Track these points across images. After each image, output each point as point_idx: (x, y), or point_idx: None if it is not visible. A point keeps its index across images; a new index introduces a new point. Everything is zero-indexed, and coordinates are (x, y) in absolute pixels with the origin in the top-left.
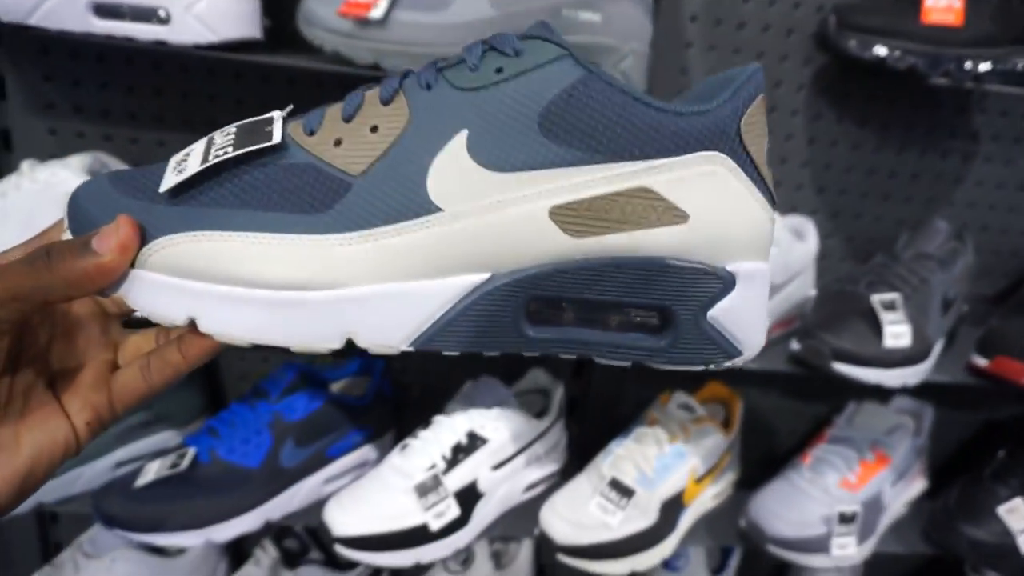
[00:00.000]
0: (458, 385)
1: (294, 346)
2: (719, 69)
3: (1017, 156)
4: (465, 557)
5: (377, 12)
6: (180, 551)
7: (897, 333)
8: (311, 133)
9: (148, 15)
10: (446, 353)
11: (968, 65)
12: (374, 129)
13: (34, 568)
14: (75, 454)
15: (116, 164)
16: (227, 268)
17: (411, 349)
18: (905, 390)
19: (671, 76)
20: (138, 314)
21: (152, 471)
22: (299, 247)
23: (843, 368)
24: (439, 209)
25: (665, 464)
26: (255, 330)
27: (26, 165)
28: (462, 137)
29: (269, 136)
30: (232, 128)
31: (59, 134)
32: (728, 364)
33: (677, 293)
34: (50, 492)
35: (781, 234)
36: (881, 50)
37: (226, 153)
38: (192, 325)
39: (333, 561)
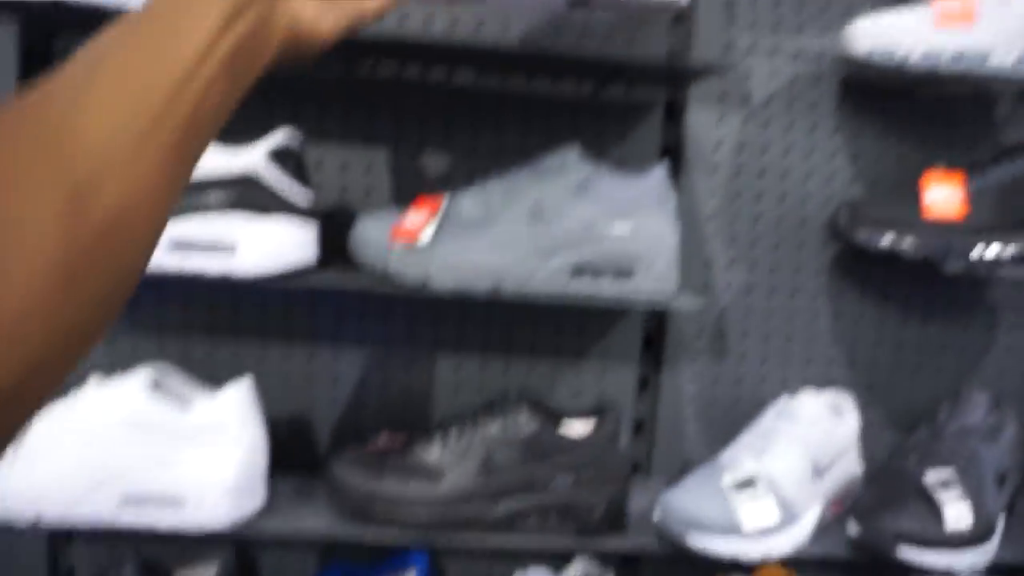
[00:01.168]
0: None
1: None
2: (740, 259)
3: None
4: None
5: (425, 239)
6: None
7: (958, 513)
8: None
9: (219, 248)
10: None
11: (975, 253)
12: None
13: None
14: None
15: (175, 374)
16: None
17: None
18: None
19: (697, 270)
20: None
21: None
22: None
23: (908, 553)
24: None
25: None
26: None
27: (93, 381)
28: None
29: None
30: None
31: (114, 345)
32: None
33: None
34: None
35: (820, 413)
36: (892, 241)
37: None
38: None
39: None
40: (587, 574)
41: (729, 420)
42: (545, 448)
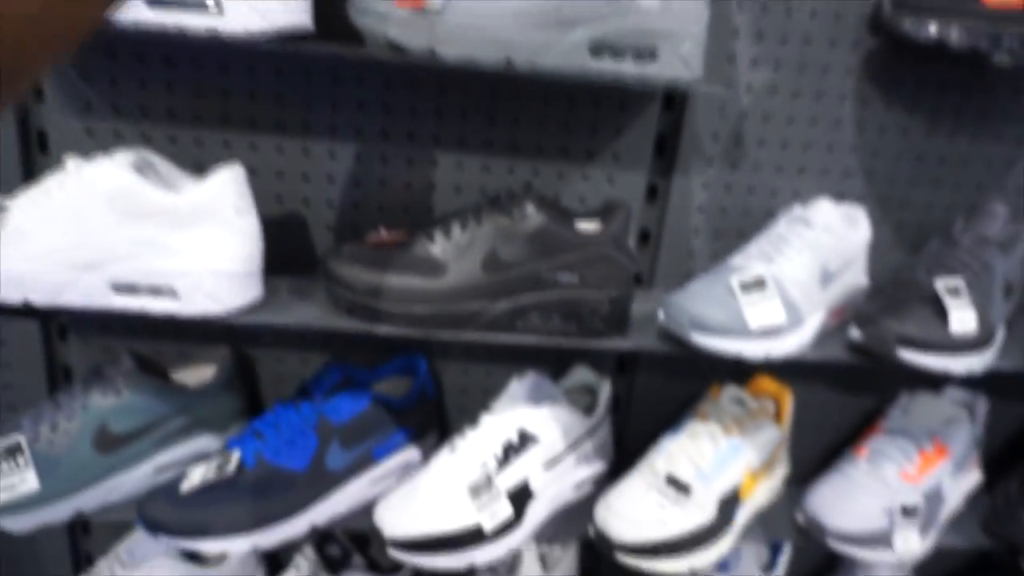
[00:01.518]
0: (498, 385)
1: None
2: (766, 57)
3: None
4: (512, 561)
5: (434, 3)
6: (218, 559)
7: (964, 319)
8: None
9: (200, 4)
10: None
11: None
12: None
13: None
14: None
15: (161, 161)
16: None
17: None
18: (969, 378)
19: (719, 64)
20: None
21: (197, 476)
22: None
23: (909, 355)
24: None
25: (721, 459)
26: None
27: (71, 163)
28: None
29: None
30: None
31: (96, 135)
32: None
33: None
34: (89, 500)
35: (834, 221)
36: (939, 29)
37: None
38: None
39: (376, 567)
40: (584, 379)
41: (737, 233)
42: (552, 243)
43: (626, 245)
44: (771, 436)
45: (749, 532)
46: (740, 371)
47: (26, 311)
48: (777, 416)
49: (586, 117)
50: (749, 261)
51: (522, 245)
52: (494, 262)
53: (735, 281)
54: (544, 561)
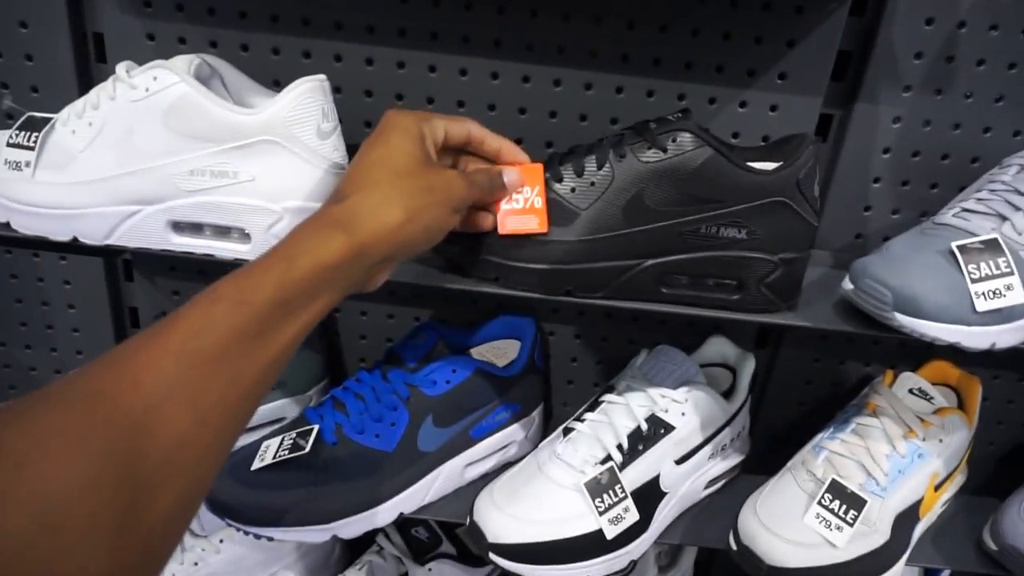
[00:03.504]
0: (617, 353)
1: None
2: None
3: None
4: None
5: None
6: None
7: None
8: None
9: None
10: None
11: None
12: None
13: None
14: None
15: (230, 70)
16: None
17: None
18: None
19: None
20: None
21: (270, 452)
22: None
23: None
24: None
25: (901, 467)
26: None
27: (122, 68)
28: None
29: None
30: None
31: (158, 39)
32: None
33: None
34: None
35: None
36: None
37: None
38: None
39: (467, 556)
40: (723, 354)
41: (929, 183)
42: (715, 187)
43: (811, 193)
44: (961, 439)
45: (918, 554)
46: (908, 353)
47: (80, 248)
48: (962, 412)
49: (751, 22)
50: (972, 219)
51: (676, 188)
52: (638, 209)
53: (956, 246)
54: (658, 558)
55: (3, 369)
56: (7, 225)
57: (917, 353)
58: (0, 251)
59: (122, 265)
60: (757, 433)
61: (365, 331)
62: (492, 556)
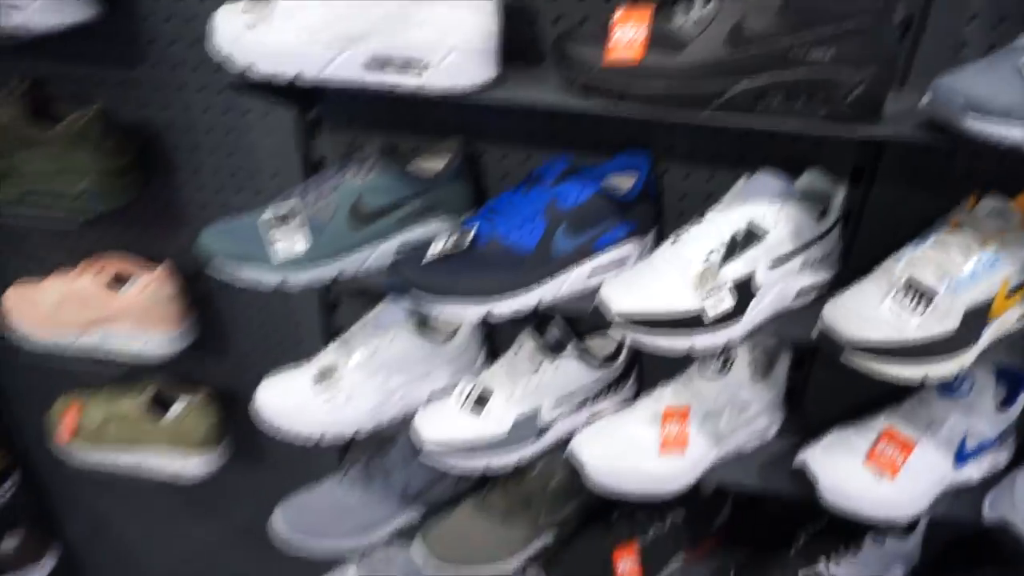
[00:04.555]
0: (722, 190)
1: None
2: None
3: None
4: (724, 361)
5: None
6: (448, 337)
7: None
8: None
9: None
10: None
11: None
12: None
13: (319, 347)
14: None
15: None
16: None
17: None
18: None
19: None
20: None
21: (438, 248)
22: None
23: None
24: None
25: (974, 270)
26: None
27: None
28: None
29: None
30: None
31: None
32: None
33: None
34: (346, 266)
35: None
36: None
37: None
38: None
39: (590, 355)
40: (817, 187)
41: None
42: (807, 13)
43: (891, 19)
44: None
45: (990, 357)
46: (999, 182)
47: (289, 92)
48: None
49: None
50: None
51: (773, 15)
52: (739, 36)
53: None
54: (754, 367)
55: (221, 207)
56: (252, 67)
57: (1008, 187)
58: (217, 112)
59: (308, 123)
60: (853, 261)
61: (506, 170)
62: (615, 322)
